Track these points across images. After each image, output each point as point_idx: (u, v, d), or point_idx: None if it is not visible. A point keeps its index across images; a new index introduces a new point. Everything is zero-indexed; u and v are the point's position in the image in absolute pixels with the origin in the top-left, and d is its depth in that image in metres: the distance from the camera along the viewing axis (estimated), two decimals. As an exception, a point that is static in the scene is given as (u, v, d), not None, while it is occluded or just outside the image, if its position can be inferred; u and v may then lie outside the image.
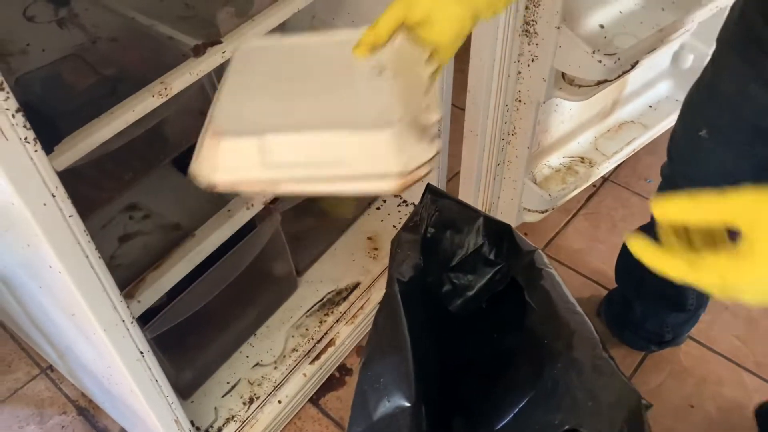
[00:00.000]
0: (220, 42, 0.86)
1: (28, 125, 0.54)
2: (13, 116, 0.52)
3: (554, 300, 0.64)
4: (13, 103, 0.52)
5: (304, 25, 1.16)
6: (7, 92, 0.52)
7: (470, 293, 0.75)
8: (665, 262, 0.42)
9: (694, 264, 0.41)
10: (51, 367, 1.23)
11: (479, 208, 1.24)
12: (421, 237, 0.74)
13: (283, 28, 1.10)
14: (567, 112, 1.26)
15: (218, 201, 1.05)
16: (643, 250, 0.42)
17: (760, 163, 0.78)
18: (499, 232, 0.74)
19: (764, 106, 0.72)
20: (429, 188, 0.78)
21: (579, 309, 0.63)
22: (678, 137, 0.89)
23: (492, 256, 0.75)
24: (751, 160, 0.78)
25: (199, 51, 0.84)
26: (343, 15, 1.11)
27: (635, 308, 1.13)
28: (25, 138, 0.54)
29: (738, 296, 0.40)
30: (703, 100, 0.83)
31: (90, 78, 0.88)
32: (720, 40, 0.80)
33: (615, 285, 1.20)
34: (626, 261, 1.11)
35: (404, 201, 1.32)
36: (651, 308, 1.11)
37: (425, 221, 0.75)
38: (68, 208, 0.61)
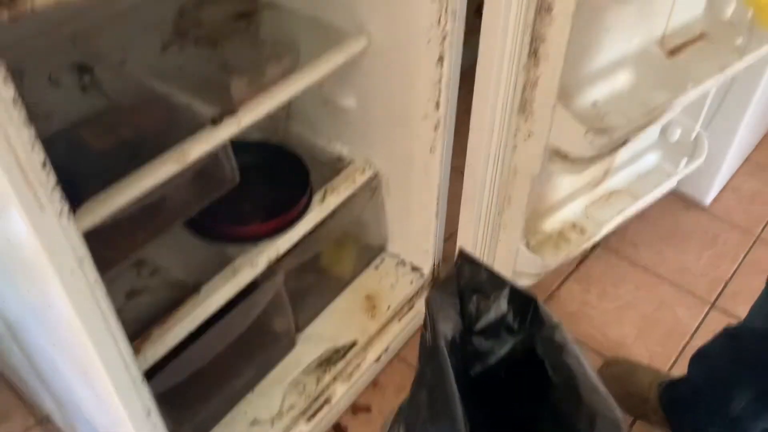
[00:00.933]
0: (236, 112, 0.91)
1: (64, 197, 0.58)
2: (52, 191, 0.56)
3: (578, 378, 0.65)
4: (52, 178, 0.56)
5: (313, 99, 1.22)
6: (49, 169, 0.56)
7: (491, 360, 0.77)
8: None
9: None
10: (48, 418, 1.24)
11: (475, 270, 1.29)
12: (458, 299, 0.76)
13: (290, 103, 1.16)
14: (560, 181, 1.31)
15: (223, 259, 1.08)
16: None
17: None
18: (524, 303, 0.77)
19: None
20: (461, 253, 0.81)
21: (602, 388, 0.65)
22: None
23: (516, 325, 0.77)
24: None
25: (216, 120, 0.89)
26: (349, 91, 1.17)
27: (734, 401, 0.96)
28: (60, 210, 0.58)
29: None
30: None
31: (110, 142, 0.92)
32: None
33: (607, 350, 1.23)
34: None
35: (402, 261, 1.35)
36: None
37: (457, 284, 0.78)
38: (92, 273, 0.64)
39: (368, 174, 1.23)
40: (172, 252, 1.10)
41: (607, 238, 1.55)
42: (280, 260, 1.09)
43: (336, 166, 1.25)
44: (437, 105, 1.07)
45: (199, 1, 1.13)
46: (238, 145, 1.06)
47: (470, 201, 1.17)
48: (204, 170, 0.97)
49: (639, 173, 1.49)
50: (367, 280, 1.32)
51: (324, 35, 1.07)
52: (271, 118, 1.22)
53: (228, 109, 0.90)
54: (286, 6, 1.12)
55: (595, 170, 1.37)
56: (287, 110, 1.28)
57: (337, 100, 1.20)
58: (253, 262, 1.04)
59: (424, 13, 0.97)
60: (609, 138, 1.00)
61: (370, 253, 1.34)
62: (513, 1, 0.89)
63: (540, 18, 0.92)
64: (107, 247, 0.94)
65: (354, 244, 1.29)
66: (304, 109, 1.28)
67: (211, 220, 1.05)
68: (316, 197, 1.15)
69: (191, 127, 0.90)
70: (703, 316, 1.39)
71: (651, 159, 1.50)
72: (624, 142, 1.08)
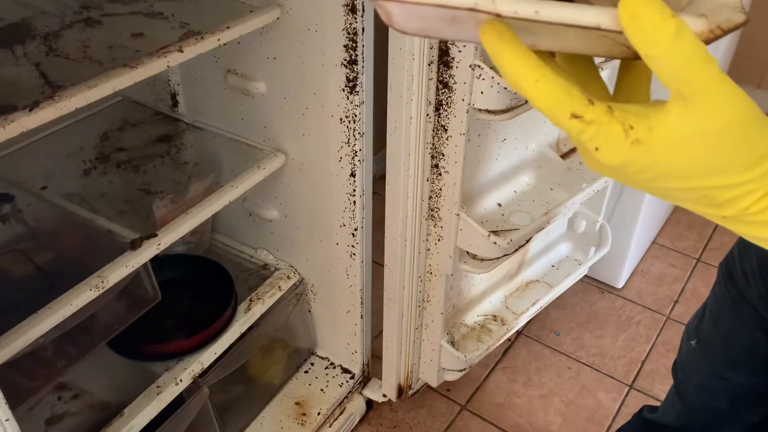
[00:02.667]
0: (156, 235, 0.95)
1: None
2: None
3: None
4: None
5: (237, 211, 1.27)
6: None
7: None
8: (532, 71, 0.34)
9: (586, 92, 0.34)
10: None
11: (402, 368, 1.32)
12: None
13: (214, 216, 1.20)
14: (477, 276, 1.38)
15: (148, 377, 1.08)
16: (504, 41, 0.34)
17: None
18: None
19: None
20: None
21: None
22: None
23: None
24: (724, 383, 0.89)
25: (135, 245, 0.93)
26: (271, 203, 1.23)
27: None
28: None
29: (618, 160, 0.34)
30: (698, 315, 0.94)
31: (30, 271, 0.94)
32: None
33: (531, 440, 1.26)
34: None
35: (332, 363, 1.38)
36: None
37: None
38: (4, 412, 0.65)
39: (293, 280, 1.27)
40: (94, 373, 1.09)
41: (528, 326, 1.62)
42: (205, 374, 1.10)
43: (261, 274, 1.28)
44: (353, 214, 1.14)
45: (122, 126, 1.19)
46: (161, 259, 1.09)
47: (392, 302, 1.22)
48: (125, 290, 1.00)
49: (552, 263, 1.59)
50: (297, 386, 1.33)
51: (244, 154, 1.14)
52: (196, 231, 1.27)
53: (147, 232, 0.94)
54: (208, 128, 1.18)
55: (509, 264, 1.45)
56: (212, 223, 1.32)
57: (260, 211, 1.26)
58: (178, 379, 1.05)
59: (334, 134, 1.05)
60: (511, 238, 1.08)
61: (299, 357, 1.36)
62: (413, 121, 0.99)
63: (438, 136, 1.01)
64: (26, 377, 0.93)
65: (282, 350, 1.31)
66: (228, 221, 1.32)
67: (134, 339, 1.06)
68: (241, 307, 1.18)
69: (111, 251, 0.93)
70: (622, 398, 1.46)
71: (562, 249, 1.60)
72: (528, 240, 1.17)
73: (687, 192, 0.35)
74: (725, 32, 0.34)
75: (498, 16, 0.33)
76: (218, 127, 1.18)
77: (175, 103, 1.21)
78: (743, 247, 0.84)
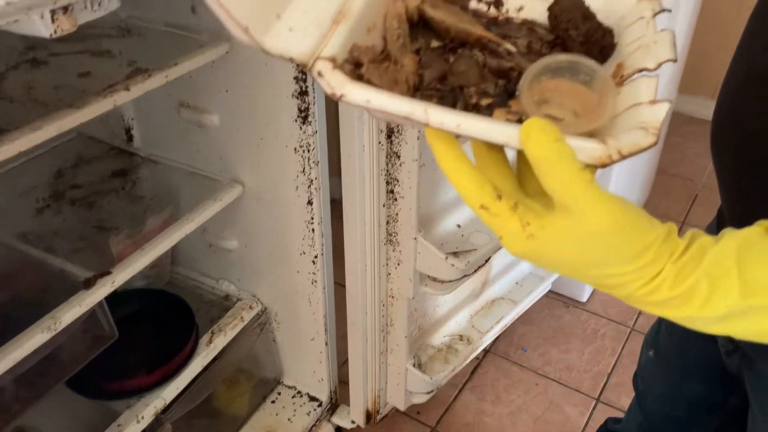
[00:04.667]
0: (110, 272, 0.94)
1: None
2: None
3: None
4: None
5: (197, 242, 1.26)
6: None
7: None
8: (454, 163, 0.41)
9: (497, 187, 0.41)
10: None
11: (369, 394, 1.32)
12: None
13: (174, 248, 1.20)
14: (441, 297, 1.39)
15: (108, 415, 1.07)
16: (438, 136, 0.41)
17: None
18: None
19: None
20: None
21: None
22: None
23: None
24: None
25: (89, 283, 0.92)
26: (231, 234, 1.23)
27: None
28: None
29: (525, 249, 0.40)
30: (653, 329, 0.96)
31: (-19, 314, 0.92)
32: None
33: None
34: None
35: (299, 392, 1.37)
36: None
37: None
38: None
39: (256, 310, 1.26)
40: (53, 414, 1.08)
41: (496, 344, 1.63)
42: (168, 410, 1.09)
43: (223, 305, 1.28)
44: (312, 241, 1.14)
45: (77, 162, 1.18)
46: (120, 295, 1.08)
47: (355, 327, 1.22)
48: (82, 329, 0.98)
49: (516, 280, 1.60)
50: (264, 416, 1.32)
51: (201, 186, 1.14)
52: (156, 265, 1.26)
53: (101, 270, 0.93)
54: (164, 161, 1.18)
55: (472, 283, 1.46)
56: (171, 255, 1.31)
57: (219, 242, 1.25)
58: (139, 416, 1.04)
59: (290, 164, 1.06)
60: (469, 260, 1.10)
61: (266, 387, 1.35)
62: (366, 149, 1.00)
63: (391, 163, 1.02)
64: (-23, 423, 0.91)
65: (248, 381, 1.30)
66: (189, 252, 1.32)
67: (93, 377, 1.05)
68: (203, 340, 1.17)
69: (65, 291, 0.92)
70: (590, 411, 1.47)
71: (525, 266, 1.62)
72: (487, 260, 1.18)
73: (582, 278, 0.41)
74: (626, 156, 0.39)
75: (427, 125, 0.40)
76: (174, 159, 1.18)
77: (130, 137, 1.21)
78: None
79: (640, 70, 0.44)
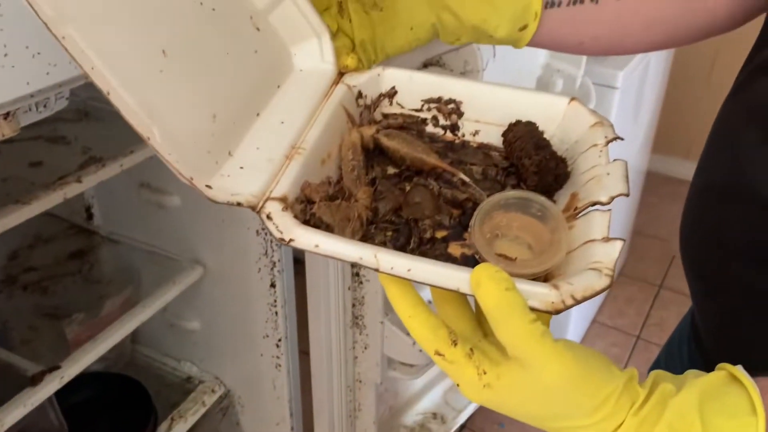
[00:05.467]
0: (59, 367, 0.89)
1: None
2: None
3: None
4: None
5: (158, 322, 1.22)
6: None
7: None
8: (408, 309, 0.39)
9: (454, 333, 0.39)
10: None
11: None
12: None
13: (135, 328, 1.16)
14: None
15: None
16: (392, 278, 0.39)
17: None
18: None
19: None
20: None
21: None
22: None
23: None
24: None
25: (36, 380, 0.87)
26: (192, 314, 1.19)
27: None
28: None
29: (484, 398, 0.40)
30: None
31: None
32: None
33: None
34: None
35: None
36: None
37: None
38: None
39: (218, 393, 1.21)
40: None
41: (472, 419, 1.58)
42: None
43: (185, 387, 1.23)
44: (276, 324, 1.10)
45: (34, 242, 1.14)
46: (74, 379, 1.03)
47: (321, 413, 1.18)
48: (28, 424, 0.93)
49: (492, 352, 1.57)
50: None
51: (161, 267, 1.11)
52: (114, 348, 1.21)
53: (57, 359, 0.89)
54: (124, 240, 1.15)
55: (446, 358, 1.43)
56: (132, 335, 1.27)
57: (181, 323, 1.21)
58: None
59: (252, 245, 1.03)
60: (438, 344, 1.07)
61: (229, 473, 1.29)
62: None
63: (355, 247, 1.00)
64: None
65: (210, 468, 1.24)
66: (150, 333, 1.27)
67: (40, 474, 0.99)
68: (162, 427, 1.12)
69: (12, 387, 0.87)
70: (568, 491, 1.42)
71: (501, 337, 1.59)
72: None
73: (544, 428, 0.40)
74: (580, 301, 0.38)
75: (377, 270, 0.39)
76: (135, 238, 1.15)
77: (90, 216, 1.18)
78: (669, 355, 0.83)
79: (593, 204, 0.44)
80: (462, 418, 1.41)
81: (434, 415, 1.41)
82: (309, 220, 0.43)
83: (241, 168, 0.44)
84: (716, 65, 2.40)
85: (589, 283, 0.38)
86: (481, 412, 1.59)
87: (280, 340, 1.12)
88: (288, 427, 1.22)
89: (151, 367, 1.27)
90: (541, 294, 0.38)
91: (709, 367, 0.42)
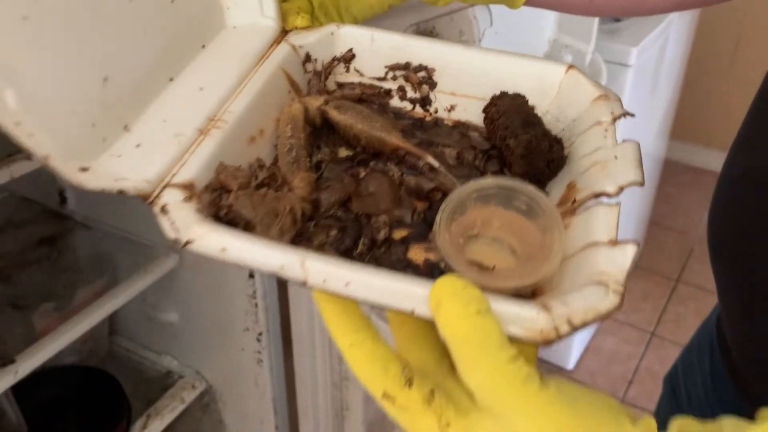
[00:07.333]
0: (13, 361, 0.83)
1: None
2: None
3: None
4: None
5: (136, 313, 1.16)
6: None
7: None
8: (347, 335, 0.30)
9: (404, 368, 0.30)
10: None
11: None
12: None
13: (113, 318, 1.09)
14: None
15: None
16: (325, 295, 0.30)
17: None
18: None
19: None
20: None
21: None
22: None
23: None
24: None
25: (-17, 377, 0.81)
26: (170, 306, 1.13)
27: None
28: None
29: None
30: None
31: None
32: None
33: None
34: None
35: None
36: None
37: None
38: None
39: (199, 390, 1.14)
40: None
41: None
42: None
43: (165, 383, 1.16)
44: (256, 317, 1.03)
45: (3, 227, 1.08)
46: (44, 374, 0.97)
47: (306, 412, 1.11)
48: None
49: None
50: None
51: (137, 254, 1.04)
52: (88, 339, 1.14)
53: (3, 360, 0.82)
54: (100, 225, 1.08)
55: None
56: (110, 326, 1.20)
57: (159, 314, 1.14)
58: None
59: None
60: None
61: (212, 473, 1.22)
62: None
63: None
64: None
65: (190, 468, 1.18)
66: (128, 324, 1.21)
67: (1, 474, 0.93)
68: (137, 425, 1.05)
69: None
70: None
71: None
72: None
73: None
74: (578, 328, 0.28)
75: (304, 285, 0.30)
76: (110, 223, 1.08)
77: (63, 199, 1.11)
78: (687, 366, 0.74)
79: (597, 195, 0.34)
80: None
81: None
82: (222, 214, 0.35)
83: (138, 146, 0.35)
84: (740, 47, 2.28)
85: (592, 304, 0.29)
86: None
87: (260, 334, 1.05)
88: (272, 425, 1.14)
89: (130, 361, 1.20)
90: (527, 318, 0.28)
91: (736, 383, 0.32)
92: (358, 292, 0.29)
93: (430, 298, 0.28)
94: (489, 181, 0.34)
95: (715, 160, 2.38)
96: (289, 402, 1.15)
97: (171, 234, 0.32)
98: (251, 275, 0.99)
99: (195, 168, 0.35)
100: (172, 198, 0.33)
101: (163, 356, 1.19)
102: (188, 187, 0.34)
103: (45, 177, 1.11)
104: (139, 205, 1.06)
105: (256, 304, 1.01)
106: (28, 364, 0.83)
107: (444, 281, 0.28)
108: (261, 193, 0.36)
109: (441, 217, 0.33)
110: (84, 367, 1.13)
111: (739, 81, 2.30)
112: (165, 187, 0.34)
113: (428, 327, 0.32)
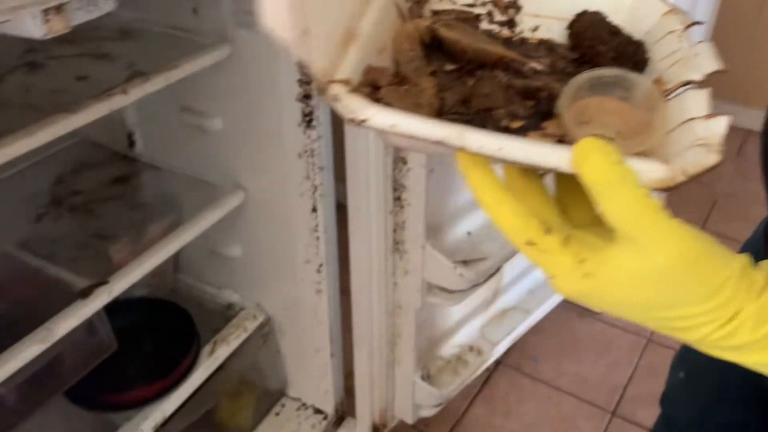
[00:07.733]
0: (107, 282, 0.91)
1: None
2: None
3: None
4: None
5: (200, 250, 1.23)
6: None
7: None
8: (494, 194, 0.36)
9: (544, 221, 0.36)
10: None
11: (375, 407, 1.28)
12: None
13: (177, 256, 1.17)
14: (451, 307, 1.35)
15: (107, 428, 1.04)
16: (473, 163, 0.37)
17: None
18: None
19: None
20: None
21: None
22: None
23: None
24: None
25: (85, 293, 0.89)
26: (233, 241, 1.20)
27: None
28: None
29: (584, 293, 0.36)
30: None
31: (-25, 323, 0.90)
32: None
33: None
34: None
35: (304, 404, 1.33)
36: None
37: None
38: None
39: (259, 320, 1.23)
40: (50, 426, 1.05)
41: (508, 354, 1.59)
42: (168, 423, 1.05)
43: (227, 314, 1.25)
44: (317, 249, 1.11)
45: (78, 168, 1.16)
46: (120, 304, 1.05)
47: (361, 339, 1.19)
48: (80, 339, 0.96)
49: (529, 289, 1.56)
50: (268, 429, 1.28)
51: (203, 193, 1.11)
52: (157, 274, 1.23)
53: (98, 280, 0.90)
54: (166, 167, 1.16)
55: (484, 292, 1.42)
56: (174, 263, 1.29)
57: (222, 250, 1.22)
58: (138, 429, 1.01)
59: (293, 169, 1.03)
60: (479, 269, 1.06)
61: (270, 399, 1.32)
62: (372, 153, 0.96)
63: (398, 169, 0.99)
64: (-31, 436, 0.89)
65: (251, 393, 1.27)
66: (191, 261, 1.29)
67: (91, 388, 1.02)
68: (205, 350, 1.14)
69: (62, 301, 0.89)
70: (605, 427, 1.42)
71: (539, 274, 1.58)
72: (498, 269, 1.14)
73: (646, 320, 0.36)
74: (691, 178, 0.35)
75: (463, 149, 0.35)
76: (177, 165, 1.15)
77: (132, 143, 1.19)
78: None
79: (685, 84, 0.41)
80: (498, 352, 1.41)
81: (471, 348, 1.41)
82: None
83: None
84: (766, 4, 2.30)
85: (700, 159, 0.35)
86: (517, 347, 1.59)
87: (321, 266, 1.12)
88: (328, 353, 1.23)
89: (193, 296, 1.29)
90: (650, 170, 0.34)
91: None
92: (510, 154, 0.35)
93: (574, 154, 0.34)
94: (603, 71, 0.41)
95: (739, 115, 2.41)
96: (344, 331, 1.23)
97: (348, 115, 0.38)
98: (314, 209, 1.06)
99: (349, 69, 0.41)
100: (340, 90, 0.39)
101: (224, 290, 1.27)
102: (347, 83, 0.41)
103: (114, 122, 1.19)
104: (204, 146, 1.13)
105: (318, 238, 1.09)
106: (119, 285, 0.92)
107: (587, 140, 0.34)
108: (404, 89, 0.42)
109: (563, 100, 0.40)
110: (155, 298, 1.21)
111: (766, 39, 2.33)
112: (329, 82, 0.40)
113: (548, 195, 0.40)
